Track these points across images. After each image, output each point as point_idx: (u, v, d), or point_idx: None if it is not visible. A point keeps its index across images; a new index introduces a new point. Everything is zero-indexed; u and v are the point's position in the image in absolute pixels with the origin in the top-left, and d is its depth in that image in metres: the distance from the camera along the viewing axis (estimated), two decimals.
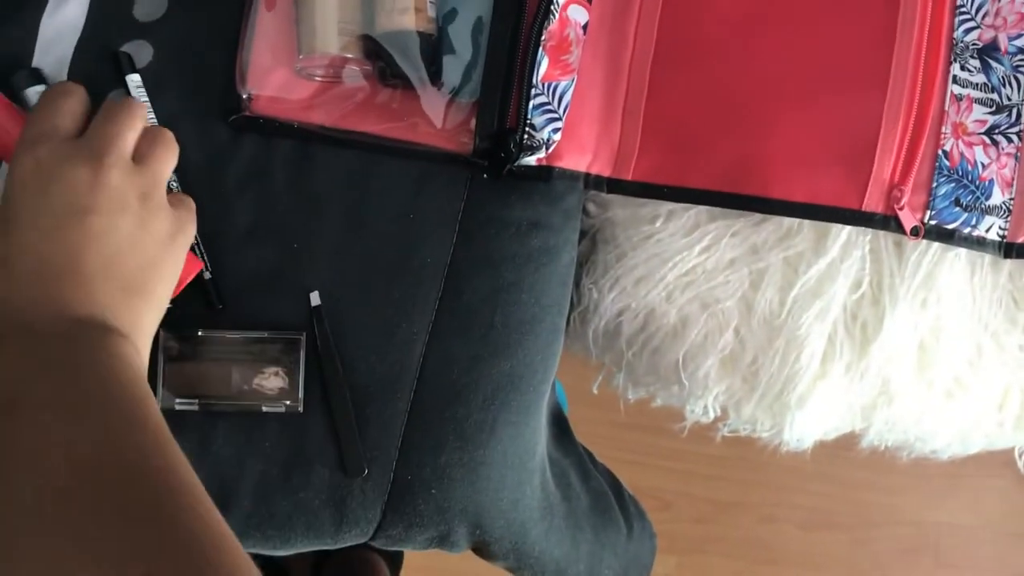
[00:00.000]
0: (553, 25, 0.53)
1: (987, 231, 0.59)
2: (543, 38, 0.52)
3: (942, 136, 0.58)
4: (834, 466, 1.32)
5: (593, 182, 0.58)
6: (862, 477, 1.34)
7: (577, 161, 0.57)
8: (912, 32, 0.56)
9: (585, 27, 0.56)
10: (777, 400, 0.65)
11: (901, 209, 0.57)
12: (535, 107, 0.53)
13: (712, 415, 0.68)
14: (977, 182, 0.59)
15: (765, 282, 0.62)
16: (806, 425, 0.66)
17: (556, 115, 0.54)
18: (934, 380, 0.64)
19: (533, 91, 0.53)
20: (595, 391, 0.77)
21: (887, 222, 0.58)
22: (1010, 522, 1.34)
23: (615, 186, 0.59)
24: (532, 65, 0.52)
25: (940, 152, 0.58)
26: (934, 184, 0.58)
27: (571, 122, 0.56)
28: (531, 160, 0.55)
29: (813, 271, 0.61)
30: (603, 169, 0.58)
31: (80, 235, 0.45)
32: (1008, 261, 0.61)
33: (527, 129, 0.53)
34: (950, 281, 0.61)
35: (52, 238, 0.45)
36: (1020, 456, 0.72)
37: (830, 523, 1.33)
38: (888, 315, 0.62)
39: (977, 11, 0.59)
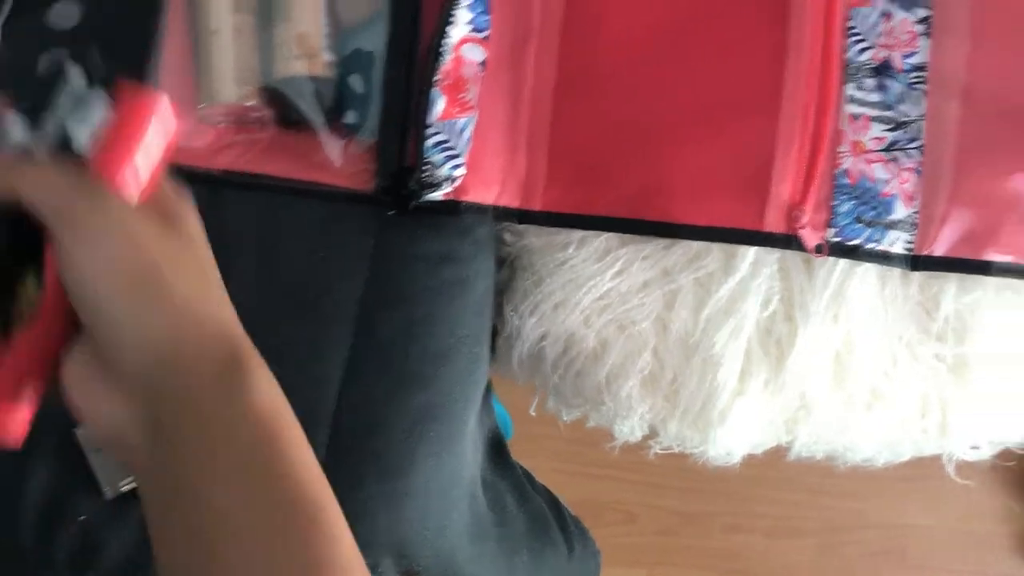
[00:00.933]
0: (447, 65, 0.54)
1: (892, 245, 0.61)
2: (437, 78, 0.54)
3: (840, 155, 0.60)
4: (797, 473, 1.33)
5: (502, 214, 0.60)
6: (826, 483, 1.35)
7: (484, 194, 0.59)
8: (802, 57, 0.58)
9: (484, 63, 0.57)
10: (699, 417, 0.66)
11: (802, 228, 0.59)
12: (433, 145, 0.54)
13: (639, 434, 0.69)
14: (878, 198, 0.60)
15: (678, 303, 0.63)
16: (730, 440, 0.67)
17: (456, 152, 0.56)
18: (852, 393, 0.65)
19: (429, 131, 0.54)
20: (532, 412, 0.78)
21: (789, 241, 0.59)
22: (973, 522, 1.36)
23: (524, 217, 0.60)
24: (426, 106, 0.53)
25: (839, 171, 0.60)
26: (835, 202, 0.60)
27: (475, 156, 0.58)
28: (437, 195, 0.57)
29: (724, 290, 0.62)
30: (511, 201, 0.60)
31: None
32: (918, 272, 0.63)
33: (426, 167, 0.54)
34: (860, 295, 0.63)
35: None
36: (948, 462, 0.73)
37: (796, 530, 1.34)
38: (801, 331, 0.63)
39: (870, 31, 0.60)
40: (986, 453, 0.72)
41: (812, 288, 0.62)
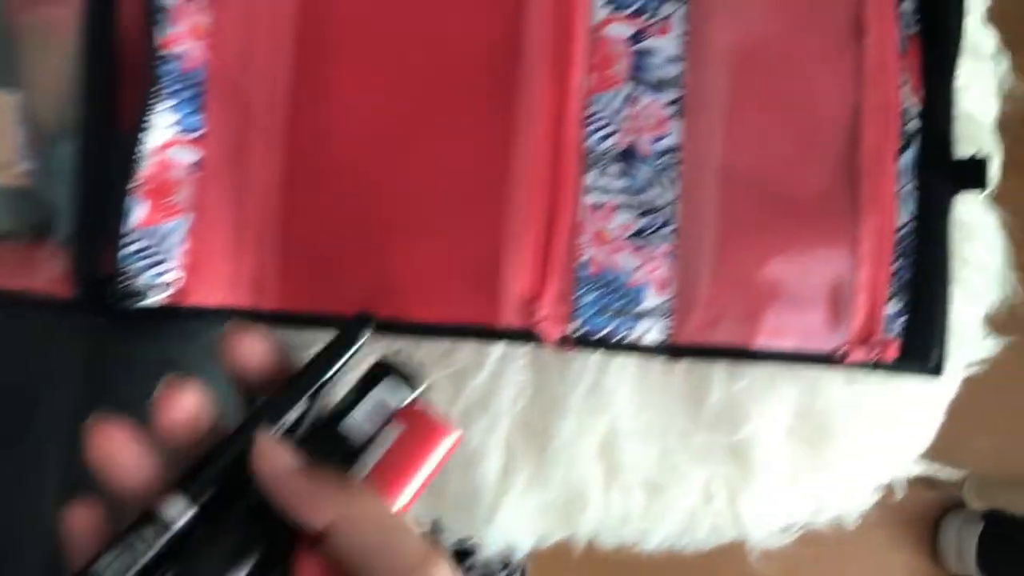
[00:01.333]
0: (149, 170, 0.53)
1: (645, 335, 0.59)
2: (134, 184, 0.52)
3: (580, 246, 0.58)
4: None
5: (231, 315, 0.58)
6: (724, 550, 1.32)
7: (209, 296, 0.57)
8: (530, 148, 0.56)
9: (199, 163, 0.56)
10: (469, 513, 0.63)
11: (539, 323, 0.57)
12: (131, 254, 0.52)
13: (421, 529, 0.67)
14: (625, 288, 0.58)
15: (434, 399, 0.61)
16: (507, 537, 0.65)
17: (160, 259, 0.54)
18: (626, 484, 0.63)
19: (126, 239, 0.52)
20: None
21: (530, 336, 0.57)
22: None
23: (256, 317, 0.58)
24: (120, 214, 0.52)
25: (580, 262, 0.58)
26: (576, 294, 0.58)
27: (197, 258, 0.56)
28: (151, 301, 0.55)
29: (476, 385, 0.60)
30: (241, 301, 0.58)
31: None
32: (684, 360, 0.60)
33: (122, 276, 0.52)
34: (619, 385, 0.60)
35: None
36: (751, 552, 0.70)
37: None
38: (561, 424, 0.61)
39: (613, 116, 0.59)
40: (787, 539, 0.70)
41: (566, 381, 0.60)
